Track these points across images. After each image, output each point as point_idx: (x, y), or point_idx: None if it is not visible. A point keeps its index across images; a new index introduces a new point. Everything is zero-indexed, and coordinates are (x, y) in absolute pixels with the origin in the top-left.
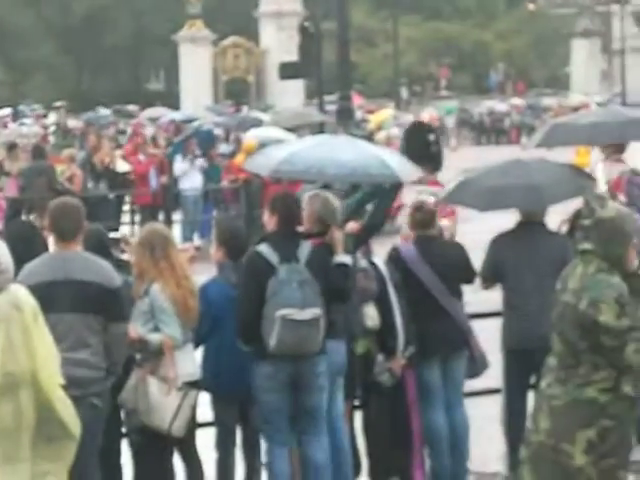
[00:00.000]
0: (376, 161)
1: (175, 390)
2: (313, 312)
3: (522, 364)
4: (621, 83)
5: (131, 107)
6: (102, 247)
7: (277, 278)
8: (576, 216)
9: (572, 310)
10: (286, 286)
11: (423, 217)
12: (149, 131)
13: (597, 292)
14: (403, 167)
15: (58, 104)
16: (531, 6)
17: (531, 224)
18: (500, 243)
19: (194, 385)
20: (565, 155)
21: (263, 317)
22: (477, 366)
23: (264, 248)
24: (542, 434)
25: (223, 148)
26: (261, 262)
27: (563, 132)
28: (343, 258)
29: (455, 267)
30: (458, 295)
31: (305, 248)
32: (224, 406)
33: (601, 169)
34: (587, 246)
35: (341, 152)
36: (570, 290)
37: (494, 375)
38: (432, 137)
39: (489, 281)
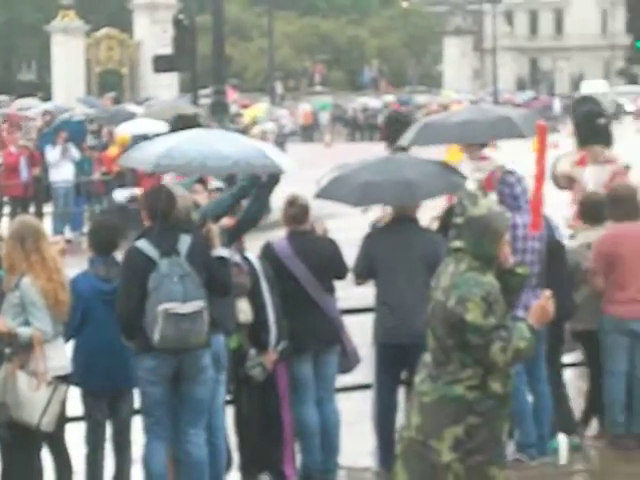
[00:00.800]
0: (256, 152)
1: (45, 385)
2: (196, 305)
3: (393, 359)
4: (493, 81)
5: (1, 97)
6: None
7: (158, 273)
8: (447, 213)
9: (441, 307)
10: (167, 280)
11: (296, 212)
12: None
13: (465, 290)
14: (282, 158)
15: None
16: (405, 3)
17: (403, 220)
18: (373, 239)
19: (64, 379)
20: (437, 153)
21: (145, 312)
22: (349, 361)
23: (143, 244)
24: (413, 430)
25: (93, 140)
26: (141, 257)
27: (434, 130)
28: (221, 251)
29: (327, 262)
30: (330, 290)
31: (185, 241)
32: (94, 400)
33: (470, 167)
34: (459, 244)
35: (220, 145)
36: (441, 288)
37: (366, 371)
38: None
39: (362, 277)
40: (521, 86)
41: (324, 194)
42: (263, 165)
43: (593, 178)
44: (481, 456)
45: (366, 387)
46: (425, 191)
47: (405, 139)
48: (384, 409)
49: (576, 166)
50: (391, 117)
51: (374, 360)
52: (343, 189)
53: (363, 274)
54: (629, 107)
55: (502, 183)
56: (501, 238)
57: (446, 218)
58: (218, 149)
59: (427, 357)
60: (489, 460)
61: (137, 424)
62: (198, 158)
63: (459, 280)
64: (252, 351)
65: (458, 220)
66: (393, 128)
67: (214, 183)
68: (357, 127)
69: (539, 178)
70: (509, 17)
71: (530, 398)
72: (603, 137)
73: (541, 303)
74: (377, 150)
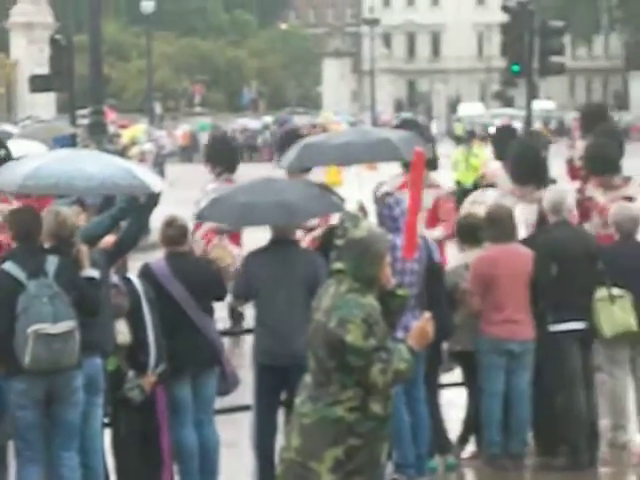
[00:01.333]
0: (123, 172)
1: None
2: (66, 325)
3: (272, 381)
4: (371, 103)
5: None
6: None
7: (27, 294)
8: (327, 234)
9: (322, 328)
10: (36, 301)
11: (174, 233)
12: None
13: (345, 311)
14: (152, 178)
15: None
16: (283, 25)
17: (283, 241)
18: (252, 260)
19: None
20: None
21: (15, 334)
22: (228, 383)
23: (10, 266)
24: (292, 451)
25: None
26: (8, 280)
27: (315, 152)
28: (90, 272)
29: (206, 284)
30: (209, 312)
31: (52, 263)
32: None
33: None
34: (340, 265)
35: (87, 165)
36: (322, 309)
37: (246, 392)
38: None
39: (241, 298)
40: (399, 108)
41: (203, 216)
42: (131, 185)
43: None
44: (361, 477)
45: (245, 408)
46: (304, 212)
47: (285, 161)
48: (263, 430)
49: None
50: (288, 133)
51: (254, 381)
52: (222, 210)
53: (243, 295)
54: None
55: (381, 204)
56: (382, 260)
57: (326, 239)
58: (84, 169)
59: (307, 378)
60: None
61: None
62: (64, 178)
63: (340, 301)
64: (130, 373)
65: (339, 242)
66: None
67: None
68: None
69: (413, 203)
70: (387, 39)
71: (408, 418)
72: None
73: (421, 325)
74: (256, 171)
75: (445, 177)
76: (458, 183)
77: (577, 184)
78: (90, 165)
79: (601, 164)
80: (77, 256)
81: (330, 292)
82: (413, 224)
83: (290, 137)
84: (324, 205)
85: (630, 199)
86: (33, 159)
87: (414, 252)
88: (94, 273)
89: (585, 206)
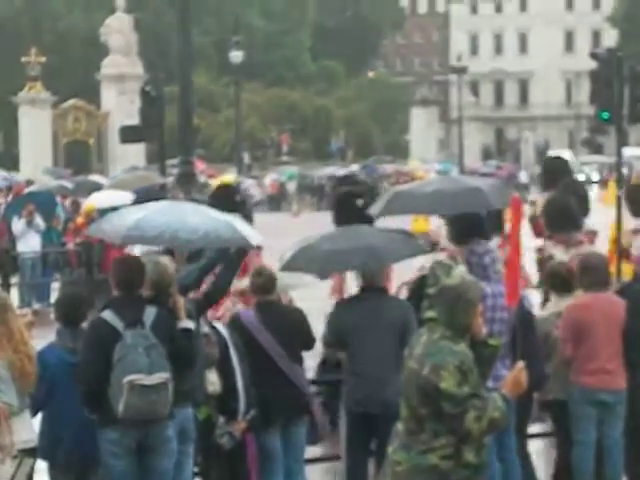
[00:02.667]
0: (224, 225)
1: (10, 458)
2: (161, 377)
3: (363, 429)
4: (458, 151)
5: None
6: None
7: (123, 344)
8: (418, 283)
9: (415, 376)
10: (132, 351)
11: (263, 282)
12: None
13: (439, 358)
14: (249, 231)
15: None
16: (371, 74)
17: (372, 290)
18: (342, 308)
19: (30, 453)
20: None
21: (110, 383)
22: (318, 432)
23: (108, 314)
24: None
25: (59, 210)
26: (106, 328)
27: (404, 200)
28: (186, 323)
29: (295, 333)
30: (299, 360)
31: (150, 313)
32: (61, 474)
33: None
34: (432, 314)
35: (189, 217)
36: (415, 356)
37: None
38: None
39: (331, 347)
40: (487, 156)
41: (288, 266)
42: (232, 238)
43: None
44: None
45: (335, 458)
46: (390, 254)
47: (375, 209)
48: (354, 477)
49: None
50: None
51: (344, 430)
52: (306, 259)
53: (333, 344)
54: (594, 177)
55: (471, 253)
56: (474, 308)
57: (417, 288)
58: (188, 221)
59: (400, 426)
60: None
61: None
62: (168, 231)
63: (433, 349)
64: (221, 419)
65: (431, 290)
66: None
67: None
68: (324, 196)
69: (514, 250)
70: (474, 87)
71: (499, 466)
72: None
73: (515, 374)
74: None
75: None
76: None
77: (540, 241)
78: (192, 217)
79: (560, 220)
80: (174, 307)
81: (422, 340)
82: (515, 271)
83: (346, 200)
84: (409, 248)
85: None
86: (134, 211)
87: (517, 299)
88: (190, 324)
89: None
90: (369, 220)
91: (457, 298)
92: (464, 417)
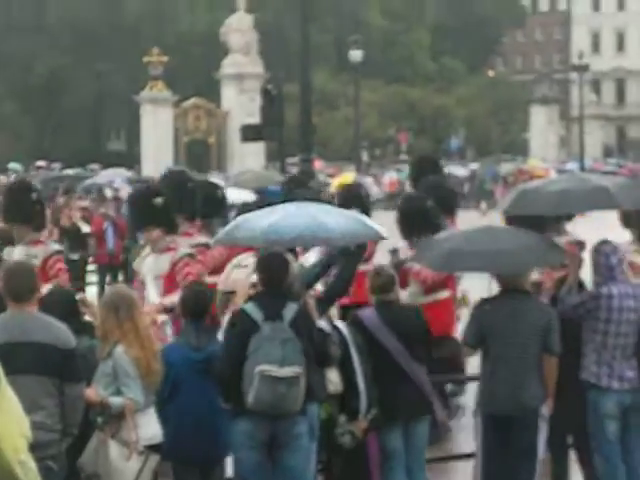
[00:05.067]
0: (355, 221)
1: (136, 454)
2: (293, 370)
3: (499, 430)
4: (579, 150)
5: (92, 166)
6: (70, 309)
7: (260, 335)
8: (558, 284)
9: None
10: (268, 343)
11: (383, 281)
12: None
13: None
14: (378, 226)
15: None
16: (491, 72)
17: (514, 291)
18: (484, 309)
19: (156, 449)
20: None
21: (244, 373)
22: (439, 431)
23: (249, 306)
24: None
25: None
26: (245, 319)
27: (531, 199)
28: (320, 323)
29: (415, 331)
30: (420, 359)
31: (291, 309)
32: (184, 471)
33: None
34: None
35: (321, 216)
36: None
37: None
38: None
39: (474, 347)
40: (608, 154)
41: (415, 258)
42: (367, 234)
43: None
44: None
45: (457, 457)
46: (523, 263)
47: (502, 206)
48: (490, 477)
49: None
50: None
51: (478, 431)
52: (431, 255)
53: (474, 344)
54: None
55: (597, 253)
56: None
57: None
58: (323, 221)
59: None
60: None
61: None
62: (307, 231)
63: None
64: (342, 418)
65: None
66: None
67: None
68: None
69: None
70: (596, 85)
71: (623, 467)
72: None
73: None
74: (462, 217)
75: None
76: None
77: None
78: (323, 216)
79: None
80: (305, 307)
81: None
82: None
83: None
84: (543, 256)
85: None
86: (263, 215)
87: None
88: (323, 325)
89: (402, 271)
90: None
91: None
92: None
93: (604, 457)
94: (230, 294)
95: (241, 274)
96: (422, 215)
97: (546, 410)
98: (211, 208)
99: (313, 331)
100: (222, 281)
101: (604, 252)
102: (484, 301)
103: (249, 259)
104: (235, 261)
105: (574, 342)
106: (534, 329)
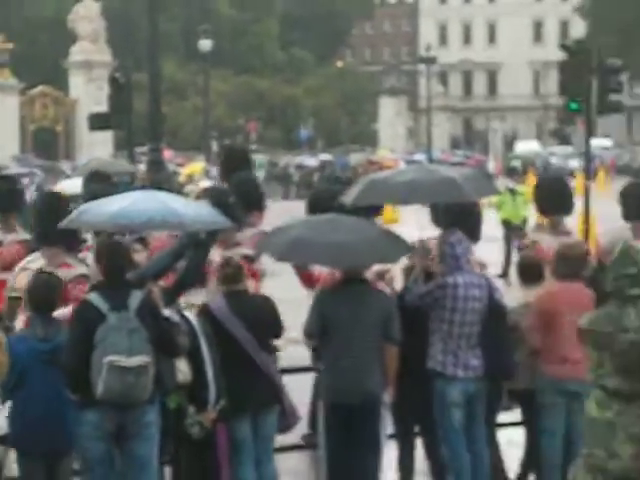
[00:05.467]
0: (204, 210)
1: None
2: (141, 360)
3: (343, 420)
4: (427, 140)
5: None
6: None
7: (106, 325)
8: (407, 273)
9: None
10: (115, 333)
11: (232, 272)
12: None
13: None
14: (219, 216)
15: None
16: (340, 63)
17: (355, 280)
18: (325, 299)
19: (2, 440)
20: None
21: (92, 364)
22: (288, 421)
23: (93, 296)
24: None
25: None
26: (90, 310)
27: (380, 189)
28: (166, 312)
29: (265, 321)
30: (269, 349)
31: (136, 297)
32: (30, 462)
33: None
34: (637, 292)
35: (171, 203)
36: (633, 329)
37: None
38: None
39: (314, 337)
40: (455, 146)
41: (261, 248)
42: (216, 222)
43: None
44: None
45: (303, 447)
46: (362, 257)
47: (349, 196)
48: (336, 469)
49: None
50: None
51: (322, 421)
52: (276, 243)
53: (316, 334)
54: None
55: (443, 243)
56: None
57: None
58: (173, 207)
59: (603, 396)
60: None
61: None
62: (157, 216)
63: None
64: (191, 409)
65: (632, 270)
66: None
67: None
68: (291, 185)
69: None
70: (443, 77)
71: (468, 456)
72: None
73: None
74: None
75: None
76: (506, 222)
77: None
78: (174, 203)
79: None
80: (149, 296)
81: (631, 314)
82: None
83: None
84: (384, 251)
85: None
86: (114, 201)
87: None
88: (168, 313)
89: None
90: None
91: None
92: None
93: (450, 446)
94: (18, 299)
95: (25, 278)
96: (223, 211)
97: (387, 398)
98: (7, 202)
99: (159, 320)
100: (10, 285)
101: (449, 242)
102: (325, 291)
103: (37, 262)
104: (23, 263)
105: (420, 331)
106: (375, 318)
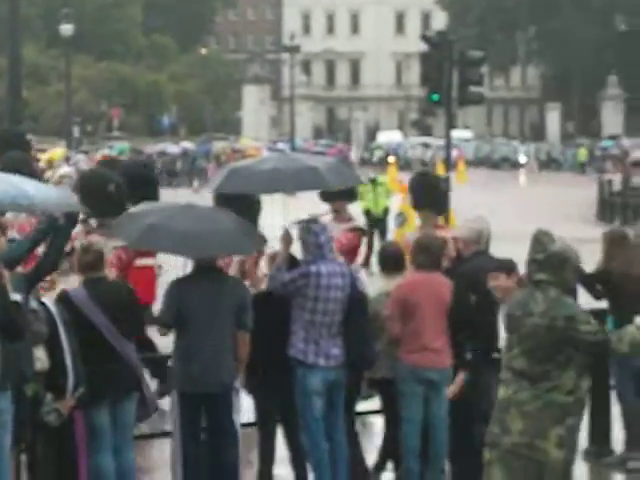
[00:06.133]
0: (59, 192)
1: None
2: None
3: (197, 408)
4: (290, 129)
5: None
6: None
7: None
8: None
9: (546, 329)
10: None
11: (92, 259)
12: None
13: (569, 311)
14: (71, 199)
15: None
16: (203, 50)
17: (209, 269)
18: (180, 288)
19: None
20: None
21: None
22: (147, 409)
23: None
24: (515, 435)
25: None
26: None
27: (242, 177)
28: (14, 296)
29: (124, 308)
30: (129, 337)
31: None
32: None
33: None
34: (542, 276)
35: (23, 185)
36: (537, 313)
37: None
38: None
39: (169, 326)
40: (318, 135)
41: (116, 232)
42: (70, 204)
43: None
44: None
45: (164, 435)
46: (213, 248)
47: (211, 185)
48: (189, 457)
49: None
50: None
51: (176, 409)
52: (130, 229)
53: (172, 323)
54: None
55: (307, 231)
56: (577, 270)
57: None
58: (24, 189)
59: (511, 374)
60: None
61: None
62: (7, 197)
63: (558, 304)
64: (48, 396)
65: (539, 256)
66: None
67: None
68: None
69: None
70: (307, 66)
71: (326, 445)
72: None
73: None
74: (174, 195)
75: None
76: (367, 212)
77: None
78: (25, 185)
79: None
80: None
81: (539, 299)
82: None
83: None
84: (235, 242)
85: None
86: None
87: None
88: (17, 297)
89: None
90: None
91: (564, 261)
92: (607, 342)
93: (309, 434)
94: None
95: None
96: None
97: (239, 385)
98: None
99: (6, 304)
100: None
101: (313, 231)
102: (179, 280)
103: None
104: None
105: (280, 319)
106: (230, 306)
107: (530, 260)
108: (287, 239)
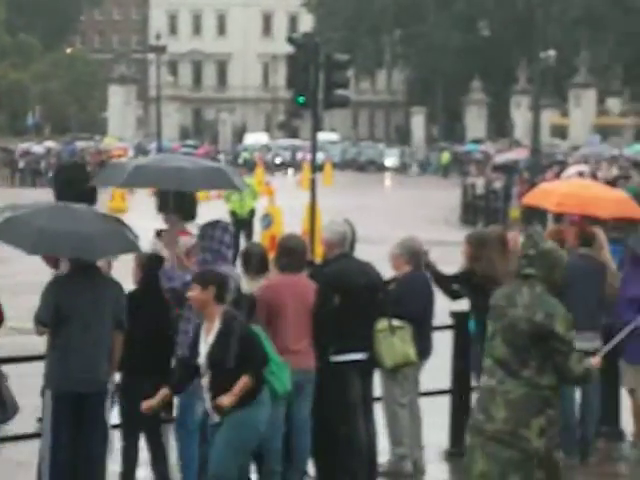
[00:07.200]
0: None
1: None
2: None
3: (73, 408)
4: (157, 130)
5: None
6: None
7: None
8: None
9: (526, 321)
10: None
11: None
12: None
13: (551, 307)
14: None
15: None
16: (68, 49)
17: (86, 267)
18: (58, 287)
19: None
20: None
21: None
22: (8, 411)
23: None
24: (499, 422)
25: None
26: None
27: (147, 174)
28: None
29: None
30: None
31: None
32: None
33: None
34: (531, 271)
35: None
36: (521, 306)
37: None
38: None
39: (46, 325)
40: (185, 136)
41: (6, 239)
42: None
43: None
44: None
45: (30, 437)
46: (102, 250)
47: (114, 179)
48: (61, 458)
49: None
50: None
51: (48, 409)
52: (19, 233)
53: (50, 322)
54: (390, 162)
55: (205, 236)
56: (565, 269)
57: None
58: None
59: (493, 365)
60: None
61: None
62: None
63: (540, 300)
64: None
65: (531, 251)
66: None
67: None
68: (17, 171)
69: None
70: (173, 67)
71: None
72: None
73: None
74: (41, 196)
75: (219, 209)
76: (233, 214)
77: None
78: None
79: None
80: None
81: (524, 292)
82: None
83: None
84: (125, 243)
85: None
86: None
87: None
88: None
89: None
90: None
91: (555, 260)
92: (569, 357)
93: (181, 440)
94: None
95: None
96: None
97: (112, 384)
98: None
99: None
100: None
101: (214, 236)
102: (57, 279)
103: None
104: None
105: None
106: (108, 305)
107: (521, 255)
108: (172, 237)
